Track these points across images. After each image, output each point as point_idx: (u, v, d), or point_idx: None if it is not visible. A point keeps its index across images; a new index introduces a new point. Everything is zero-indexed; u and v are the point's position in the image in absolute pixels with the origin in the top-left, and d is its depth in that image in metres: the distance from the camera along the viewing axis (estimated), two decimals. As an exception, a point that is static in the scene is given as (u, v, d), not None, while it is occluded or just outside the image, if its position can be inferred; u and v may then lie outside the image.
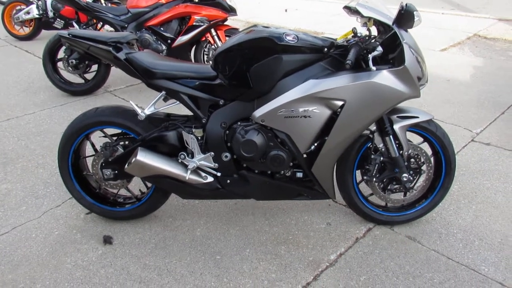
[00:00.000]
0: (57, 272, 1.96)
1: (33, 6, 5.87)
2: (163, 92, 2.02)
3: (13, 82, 4.49)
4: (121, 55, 1.97)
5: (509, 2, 8.14)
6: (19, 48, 5.78)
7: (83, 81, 4.15)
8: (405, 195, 2.24)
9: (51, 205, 2.45)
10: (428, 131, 2.12)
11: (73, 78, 4.17)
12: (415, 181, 2.19)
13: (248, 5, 8.48)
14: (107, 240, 2.01)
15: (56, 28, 5.81)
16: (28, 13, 5.93)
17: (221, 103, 2.00)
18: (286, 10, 7.53)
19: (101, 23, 4.57)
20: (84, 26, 4.68)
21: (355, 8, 1.87)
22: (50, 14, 5.79)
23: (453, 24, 6.73)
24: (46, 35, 5.85)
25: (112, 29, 4.16)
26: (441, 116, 3.58)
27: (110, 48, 1.97)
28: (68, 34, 2.00)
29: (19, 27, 6.16)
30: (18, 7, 6.12)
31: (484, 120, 3.52)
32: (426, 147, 2.20)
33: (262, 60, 1.88)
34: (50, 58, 4.02)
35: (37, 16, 5.86)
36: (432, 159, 2.21)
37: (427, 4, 8.16)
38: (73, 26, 4.95)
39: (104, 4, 5.03)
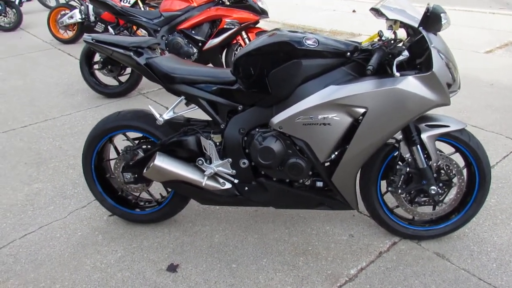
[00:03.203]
0: (76, 273, 2.00)
1: (76, 11, 6.13)
2: (182, 97, 2.01)
3: (54, 84, 4.69)
4: (141, 60, 1.98)
5: None
6: (62, 51, 6.04)
7: (117, 83, 4.26)
8: (434, 208, 2.11)
9: (77, 205, 2.51)
10: (460, 141, 1.98)
11: (109, 80, 4.29)
12: (445, 194, 2.05)
13: (286, 7, 8.43)
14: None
15: (97, 32, 6.01)
16: (71, 17, 6.19)
17: (239, 108, 1.96)
18: (354, 11, 7.39)
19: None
20: (122, 29, 4.80)
21: (380, 10, 1.78)
22: (92, 18, 6.02)
23: (501, 24, 6.35)
24: (88, 38, 6.07)
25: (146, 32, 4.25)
26: (482, 123, 3.36)
27: (131, 53, 1.98)
28: (92, 39, 2.03)
29: (63, 31, 6.44)
30: (63, 12, 6.41)
31: (530, 128, 3.27)
32: (458, 158, 2.05)
33: (281, 65, 1.82)
34: (86, 61, 4.17)
35: (80, 20, 6.11)
36: (464, 171, 2.07)
37: (474, 3, 7.76)
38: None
39: (142, 8, 5.16)
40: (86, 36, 2.07)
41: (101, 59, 4.05)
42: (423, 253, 2.07)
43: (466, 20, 6.53)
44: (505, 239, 2.15)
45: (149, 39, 2.05)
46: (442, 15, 1.65)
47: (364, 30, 6.34)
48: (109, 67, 4.07)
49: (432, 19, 1.66)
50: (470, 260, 2.02)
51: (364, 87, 1.76)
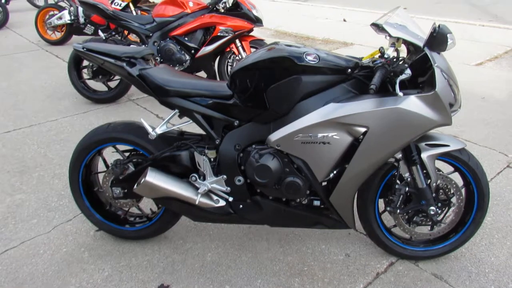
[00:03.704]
0: (60, 294, 1.91)
1: (65, 12, 6.01)
2: (176, 111, 1.93)
3: (40, 87, 4.56)
4: (134, 71, 1.90)
5: (552, 15, 7.72)
6: (49, 53, 5.90)
7: (106, 89, 4.15)
8: (431, 228, 2.06)
9: (62, 219, 2.40)
10: (460, 160, 1.94)
11: (97, 85, 4.18)
12: (443, 214, 2.01)
13: (278, 14, 8.40)
14: None
15: (87, 34, 5.91)
16: (60, 18, 6.06)
17: (236, 123, 1.89)
18: (344, 20, 7.40)
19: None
20: (113, 33, 4.70)
21: (382, 26, 1.73)
22: (81, 20, 5.90)
23: (490, 36, 6.41)
24: (77, 40, 5.95)
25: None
26: (474, 138, 3.35)
27: (124, 64, 1.90)
28: (83, 48, 1.95)
29: (51, 32, 6.30)
30: (51, 13, 6.27)
31: (522, 143, 3.27)
32: (456, 177, 2.02)
33: (280, 81, 1.76)
34: (75, 65, 4.06)
35: (69, 21, 5.99)
36: (463, 190, 2.03)
37: (463, 15, 7.84)
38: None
39: (134, 12, 5.07)
40: (76, 44, 1.99)
41: (91, 65, 3.94)
42: (421, 274, 2.03)
43: (455, 32, 6.54)
44: (502, 260, 2.12)
45: (143, 49, 1.97)
46: (448, 35, 1.61)
47: (357, 39, 6.34)
48: (100, 76, 3.97)
49: (438, 40, 1.62)
50: (468, 282, 1.98)
51: (366, 106, 1.71)
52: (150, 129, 1.91)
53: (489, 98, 4.16)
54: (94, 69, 3.91)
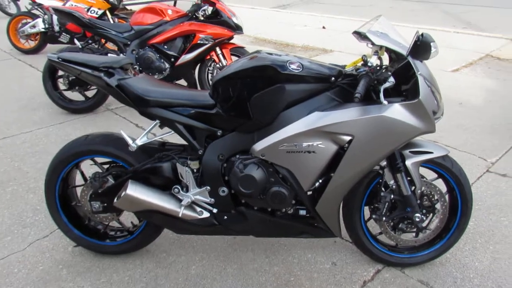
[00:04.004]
0: (37, 315, 1.82)
1: (39, 20, 5.85)
2: (157, 121, 1.88)
3: (14, 98, 4.41)
4: (113, 81, 1.84)
5: (522, 22, 7.98)
6: (22, 62, 5.73)
7: (83, 98, 4.04)
8: (417, 235, 2.06)
9: (38, 235, 2.30)
10: (443, 167, 1.95)
11: (74, 95, 4.07)
12: (428, 221, 2.02)
13: (257, 21, 8.42)
14: None
15: (62, 42, 5.77)
16: (34, 26, 5.90)
17: (219, 133, 1.85)
18: (323, 27, 7.46)
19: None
20: (90, 42, 4.60)
21: (365, 34, 1.73)
22: (56, 28, 5.76)
23: (464, 43, 6.57)
24: (51, 49, 5.80)
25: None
26: (453, 143, 3.40)
27: (101, 74, 1.84)
28: (58, 58, 1.87)
29: (24, 40, 6.12)
30: (24, 21, 6.10)
31: (499, 148, 3.34)
32: (440, 184, 2.02)
33: (264, 90, 1.74)
34: (50, 75, 3.94)
35: (43, 30, 5.83)
36: (447, 196, 2.04)
37: (438, 22, 8.03)
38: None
39: (111, 20, 4.97)
40: (50, 54, 1.91)
41: (67, 75, 3.82)
42: (407, 281, 2.02)
43: (432, 38, 6.71)
44: (486, 264, 2.13)
45: (121, 59, 1.92)
46: (432, 44, 1.62)
47: (337, 46, 6.40)
48: (77, 87, 3.86)
49: (422, 48, 1.63)
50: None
51: (350, 114, 1.70)
52: (130, 141, 1.85)
53: (466, 104, 4.24)
54: (71, 79, 3.79)
